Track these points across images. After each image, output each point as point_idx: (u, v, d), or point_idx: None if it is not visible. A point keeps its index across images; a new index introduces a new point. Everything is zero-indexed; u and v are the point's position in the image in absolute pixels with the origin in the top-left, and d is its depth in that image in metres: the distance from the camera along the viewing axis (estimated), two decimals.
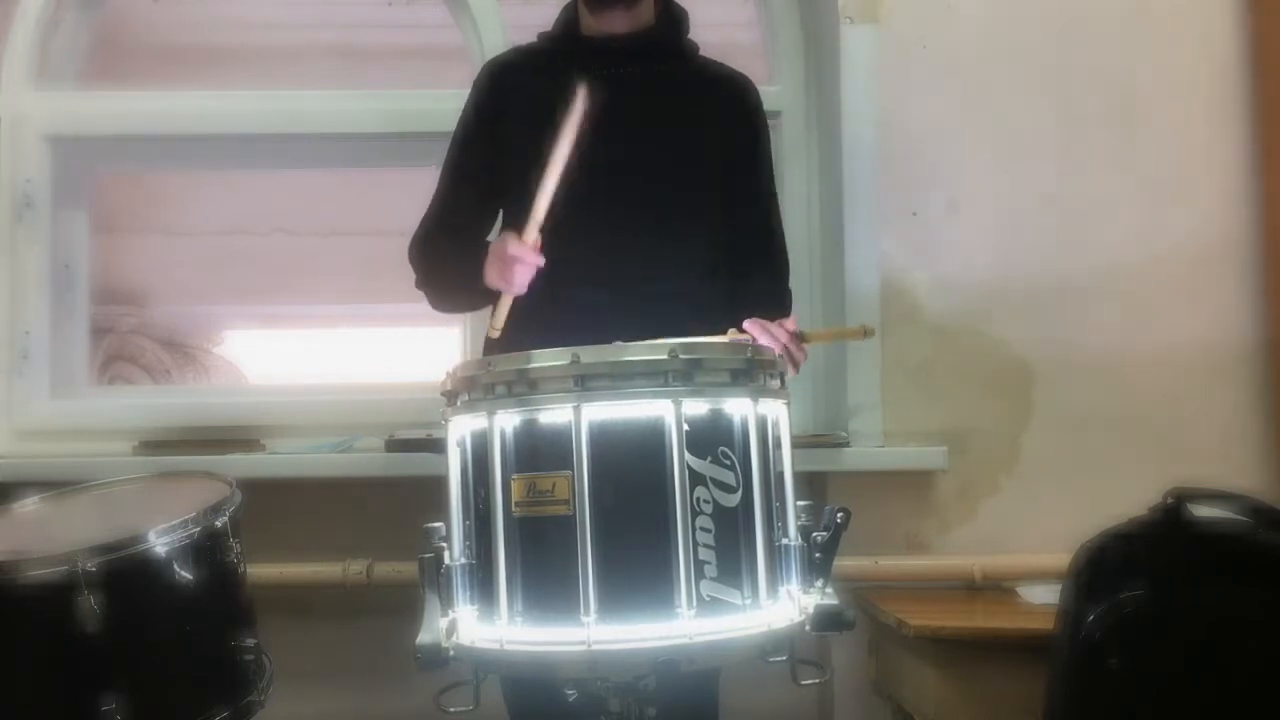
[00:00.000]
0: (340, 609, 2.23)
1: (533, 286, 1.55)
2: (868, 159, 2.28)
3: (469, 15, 2.45)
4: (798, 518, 1.17)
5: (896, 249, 2.28)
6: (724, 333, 1.51)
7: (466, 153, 1.82)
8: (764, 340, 1.51)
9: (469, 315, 2.31)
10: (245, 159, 2.84)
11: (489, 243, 1.73)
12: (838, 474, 2.19)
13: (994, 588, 2.16)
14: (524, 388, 1.10)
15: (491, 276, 1.60)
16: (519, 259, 1.52)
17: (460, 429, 1.16)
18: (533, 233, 1.51)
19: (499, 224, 1.84)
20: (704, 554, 1.07)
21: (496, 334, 1.58)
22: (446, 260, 1.77)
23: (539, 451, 1.09)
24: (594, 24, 1.77)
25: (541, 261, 1.53)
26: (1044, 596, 1.92)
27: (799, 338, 1.55)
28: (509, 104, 1.78)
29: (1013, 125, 2.30)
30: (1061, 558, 1.58)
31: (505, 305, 1.57)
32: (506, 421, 1.10)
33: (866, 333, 1.63)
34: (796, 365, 1.55)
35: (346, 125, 2.45)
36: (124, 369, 4.80)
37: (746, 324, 1.53)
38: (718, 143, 1.78)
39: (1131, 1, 2.33)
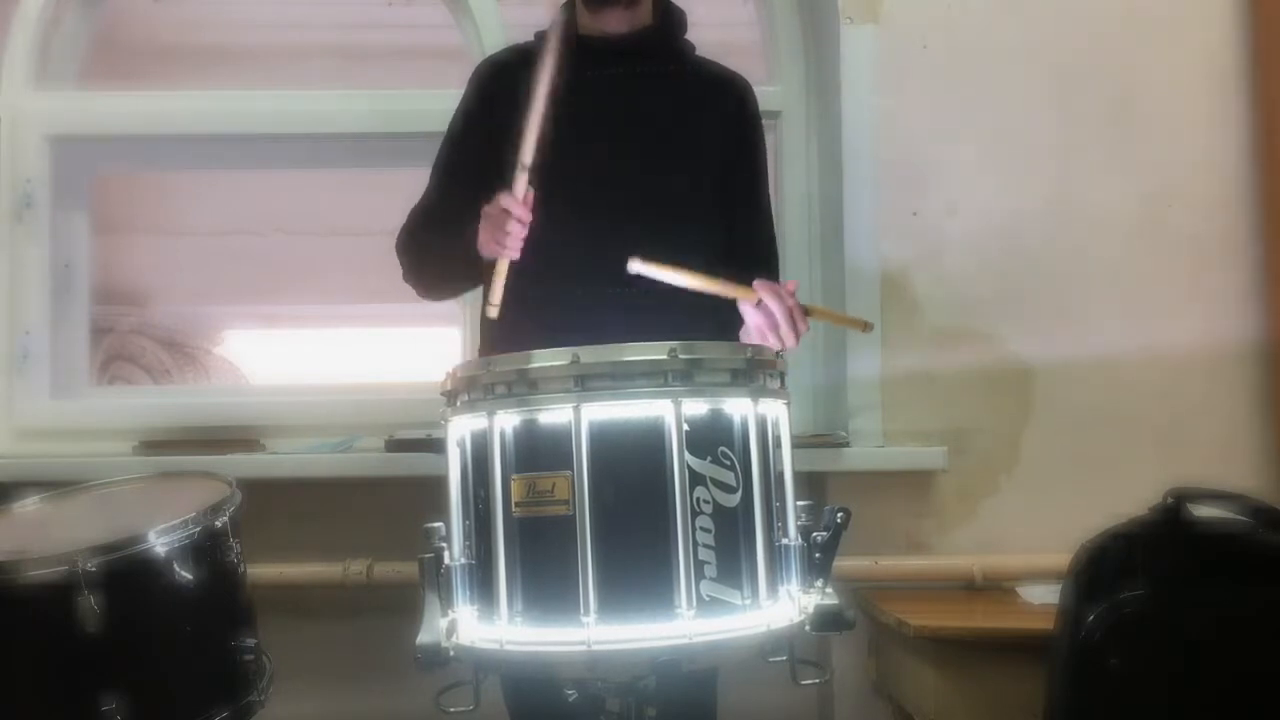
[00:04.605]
0: (340, 609, 2.23)
1: (530, 284, 1.54)
2: (868, 159, 2.28)
3: (469, 15, 2.46)
4: (798, 518, 1.17)
5: (896, 249, 2.28)
6: (728, 287, 1.52)
7: (459, 150, 1.82)
8: (770, 300, 1.51)
9: (469, 315, 2.31)
10: (245, 159, 2.84)
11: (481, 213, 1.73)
12: (838, 474, 2.19)
13: (994, 588, 2.16)
14: (524, 388, 1.10)
15: (484, 240, 1.57)
16: (510, 212, 1.49)
17: (460, 429, 1.16)
18: (522, 182, 1.49)
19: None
20: (704, 554, 1.07)
21: (495, 311, 1.55)
22: (434, 249, 1.76)
23: (539, 451, 1.09)
24: (592, 23, 1.77)
25: (529, 217, 1.50)
26: (1044, 596, 1.92)
27: (804, 310, 1.55)
28: (503, 102, 1.77)
29: (1013, 125, 2.30)
30: (1061, 558, 1.58)
31: (501, 276, 1.52)
32: (506, 421, 1.10)
33: (866, 326, 1.62)
34: (798, 334, 1.55)
35: (346, 125, 2.45)
36: (124, 369, 4.80)
37: (756, 284, 1.53)
38: (715, 144, 1.78)
39: (1131, 2, 2.33)
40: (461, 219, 1.82)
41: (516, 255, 1.53)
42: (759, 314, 1.54)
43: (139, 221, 4.47)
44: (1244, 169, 2.31)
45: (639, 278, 1.66)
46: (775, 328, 1.53)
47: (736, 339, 1.62)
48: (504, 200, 1.51)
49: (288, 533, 2.13)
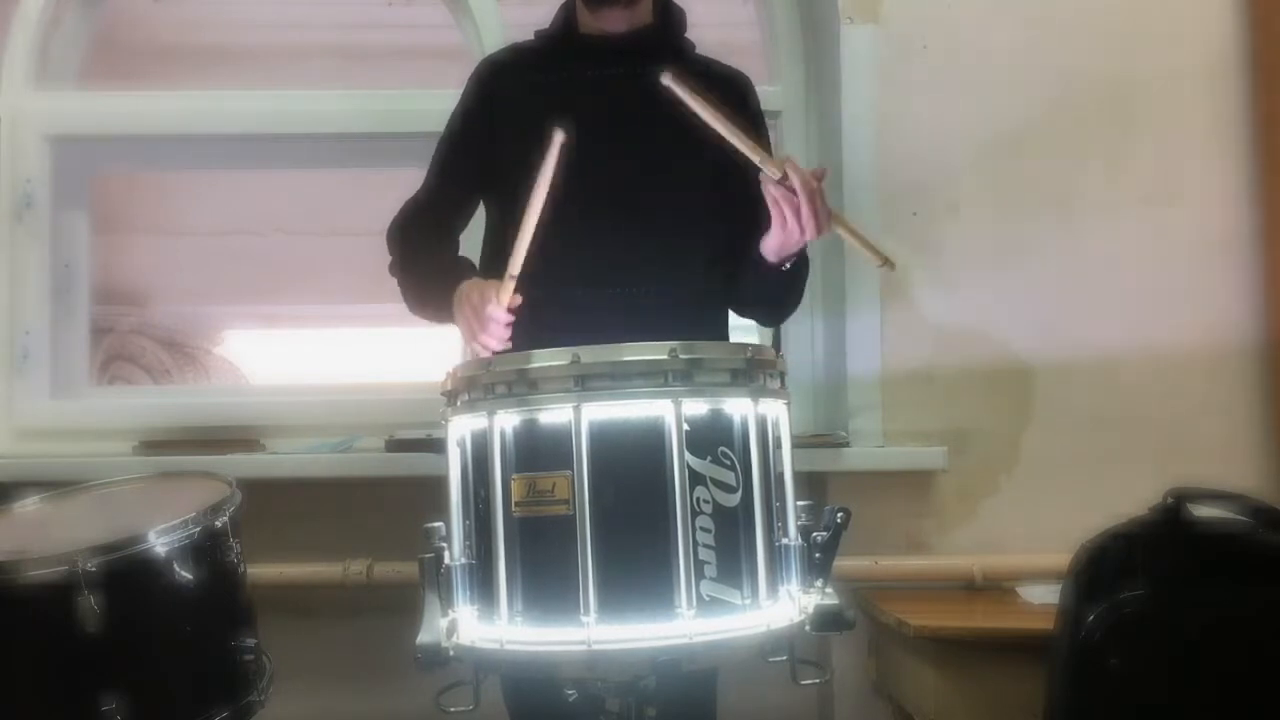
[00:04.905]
0: (340, 609, 2.23)
1: (530, 284, 1.52)
2: (868, 159, 2.28)
3: (469, 15, 2.46)
4: (798, 518, 1.17)
5: (896, 249, 2.27)
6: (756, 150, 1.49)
7: (456, 149, 1.82)
8: (795, 177, 1.48)
9: None
10: (244, 159, 2.84)
11: (464, 261, 1.72)
12: (838, 474, 2.19)
13: (994, 588, 2.16)
14: (524, 387, 1.10)
15: (460, 323, 1.56)
16: (494, 320, 1.46)
17: (460, 429, 1.16)
18: (508, 291, 1.46)
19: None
20: (704, 554, 1.07)
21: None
22: (421, 255, 1.76)
23: (539, 451, 1.09)
24: (592, 23, 1.77)
25: (511, 319, 1.47)
26: (1044, 596, 1.92)
27: (830, 214, 1.50)
28: (503, 102, 1.78)
29: (1012, 125, 2.30)
30: (1061, 558, 1.58)
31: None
32: (506, 421, 1.10)
33: (887, 263, 1.56)
34: (819, 224, 1.49)
35: (346, 125, 2.45)
36: (124, 369, 4.80)
37: (785, 161, 1.49)
38: (715, 143, 1.78)
39: (1131, 2, 2.33)
40: (453, 218, 1.83)
41: (488, 353, 1.48)
42: (782, 190, 1.48)
43: (139, 221, 4.47)
44: (1244, 169, 2.31)
45: (638, 278, 1.67)
46: (797, 209, 1.47)
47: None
48: (490, 309, 1.46)
49: (288, 533, 2.13)
